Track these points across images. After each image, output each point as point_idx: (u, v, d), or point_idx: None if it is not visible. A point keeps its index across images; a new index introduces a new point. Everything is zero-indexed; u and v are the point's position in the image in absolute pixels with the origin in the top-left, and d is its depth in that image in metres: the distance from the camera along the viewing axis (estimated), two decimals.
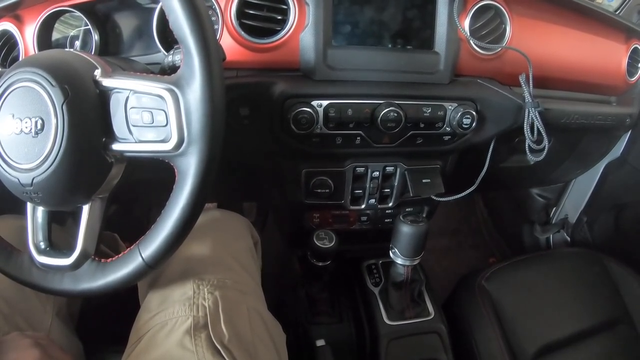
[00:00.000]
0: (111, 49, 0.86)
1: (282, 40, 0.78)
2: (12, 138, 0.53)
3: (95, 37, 0.83)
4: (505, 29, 0.87)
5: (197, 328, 0.66)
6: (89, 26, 0.82)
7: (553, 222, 1.57)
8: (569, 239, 1.50)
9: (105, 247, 0.90)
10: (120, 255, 0.58)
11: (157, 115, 0.52)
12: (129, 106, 0.53)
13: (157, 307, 0.71)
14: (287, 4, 0.77)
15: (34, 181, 0.53)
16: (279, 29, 0.78)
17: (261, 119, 0.80)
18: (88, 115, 0.53)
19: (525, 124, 0.86)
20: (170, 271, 0.76)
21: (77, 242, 0.59)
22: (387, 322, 0.99)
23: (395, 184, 0.97)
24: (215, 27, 0.78)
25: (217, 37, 0.78)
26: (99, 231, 0.62)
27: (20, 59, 0.84)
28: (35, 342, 0.61)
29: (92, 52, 0.83)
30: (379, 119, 0.80)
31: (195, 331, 0.65)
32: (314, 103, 0.79)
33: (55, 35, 0.87)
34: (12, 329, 0.69)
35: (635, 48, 1.02)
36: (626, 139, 1.23)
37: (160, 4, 0.77)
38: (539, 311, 1.04)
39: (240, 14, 0.77)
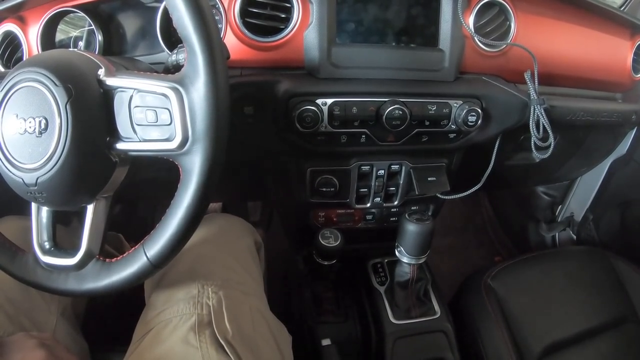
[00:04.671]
0: (115, 48, 0.86)
1: (286, 39, 0.78)
2: (16, 138, 0.53)
3: (99, 37, 0.83)
4: (509, 26, 0.87)
5: (202, 325, 0.67)
6: (93, 26, 0.82)
7: (559, 220, 1.56)
8: (574, 237, 1.49)
9: (110, 247, 0.90)
10: (125, 254, 0.58)
11: (161, 114, 0.52)
12: (132, 105, 0.53)
13: (162, 305, 0.72)
14: (290, 2, 0.77)
15: (38, 181, 0.53)
16: (282, 27, 0.78)
17: (266, 117, 0.80)
18: (92, 114, 0.53)
19: (530, 121, 0.86)
20: (175, 272, 0.76)
21: (82, 242, 0.59)
22: (393, 321, 0.99)
23: (401, 182, 0.96)
24: (219, 25, 0.78)
25: (221, 36, 0.78)
26: (104, 231, 0.61)
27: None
28: (40, 342, 0.61)
29: (96, 52, 0.83)
30: (384, 117, 0.80)
31: (200, 328, 0.66)
32: (319, 101, 0.79)
33: (59, 36, 0.87)
34: (17, 330, 0.69)
35: None
36: (632, 136, 1.22)
37: (164, 3, 0.77)
38: (546, 310, 1.04)
39: (244, 13, 0.76)
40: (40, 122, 0.52)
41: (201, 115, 0.50)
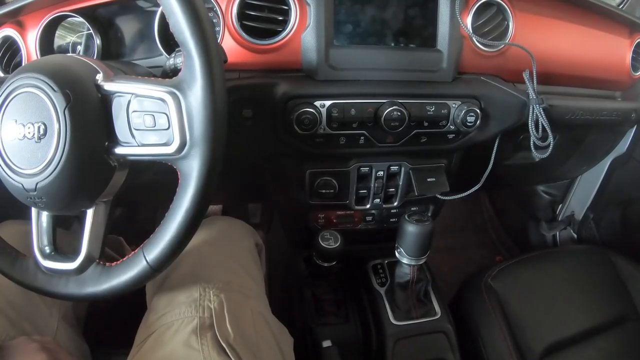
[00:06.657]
0: (113, 52, 0.86)
1: (284, 41, 0.78)
2: (16, 143, 0.53)
3: (97, 41, 0.83)
4: (507, 26, 0.87)
5: (203, 328, 0.67)
6: (91, 31, 0.82)
7: (559, 219, 1.56)
8: (575, 235, 1.49)
9: (111, 251, 0.90)
10: (125, 258, 0.58)
11: (159, 118, 0.52)
12: (130, 110, 0.53)
13: (164, 308, 0.72)
14: (288, 5, 0.77)
15: (38, 186, 0.53)
16: (280, 29, 0.78)
17: (264, 120, 0.80)
18: (90, 119, 0.53)
19: (529, 121, 0.86)
20: (177, 275, 0.76)
21: (82, 247, 0.59)
22: (394, 322, 0.98)
23: (400, 183, 0.96)
24: (217, 29, 0.78)
25: (219, 39, 0.78)
26: (104, 235, 0.62)
27: (23, 65, 0.84)
28: (42, 346, 0.61)
29: (95, 57, 0.83)
30: (383, 118, 0.80)
31: (201, 331, 0.66)
32: (317, 103, 0.79)
33: (57, 41, 0.87)
34: (18, 334, 0.69)
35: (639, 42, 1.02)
36: (632, 135, 1.22)
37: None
38: (547, 309, 1.04)
39: (242, 16, 0.77)
40: (39, 127, 0.52)
41: (198, 120, 0.50)
